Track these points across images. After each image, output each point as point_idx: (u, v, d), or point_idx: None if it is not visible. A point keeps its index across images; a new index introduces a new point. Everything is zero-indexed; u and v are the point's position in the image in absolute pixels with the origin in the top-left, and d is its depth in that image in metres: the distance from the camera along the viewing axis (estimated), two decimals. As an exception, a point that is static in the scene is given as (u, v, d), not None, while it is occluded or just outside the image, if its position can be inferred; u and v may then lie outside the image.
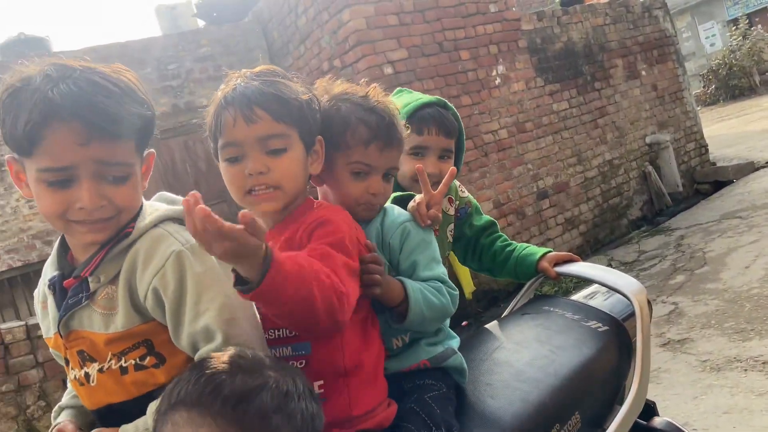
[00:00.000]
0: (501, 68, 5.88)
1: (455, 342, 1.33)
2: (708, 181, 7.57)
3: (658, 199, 7.07)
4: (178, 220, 1.11)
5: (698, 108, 10.20)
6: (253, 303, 1.05)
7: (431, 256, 1.27)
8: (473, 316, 5.24)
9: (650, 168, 7.03)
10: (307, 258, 1.00)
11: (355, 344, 1.14)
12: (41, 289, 1.19)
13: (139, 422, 1.02)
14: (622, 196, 6.79)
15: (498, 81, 5.85)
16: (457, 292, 1.27)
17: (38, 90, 0.95)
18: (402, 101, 1.62)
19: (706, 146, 7.93)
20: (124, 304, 1.04)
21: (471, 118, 5.59)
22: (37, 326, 4.22)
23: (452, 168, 1.42)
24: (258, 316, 1.10)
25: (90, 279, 1.07)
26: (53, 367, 4.38)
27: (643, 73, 7.22)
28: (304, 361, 1.12)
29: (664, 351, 3.48)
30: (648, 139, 7.12)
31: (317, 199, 1.32)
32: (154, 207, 1.14)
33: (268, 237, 1.14)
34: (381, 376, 1.20)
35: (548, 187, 6.11)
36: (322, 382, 1.12)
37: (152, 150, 1.16)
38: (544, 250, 1.66)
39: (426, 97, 1.64)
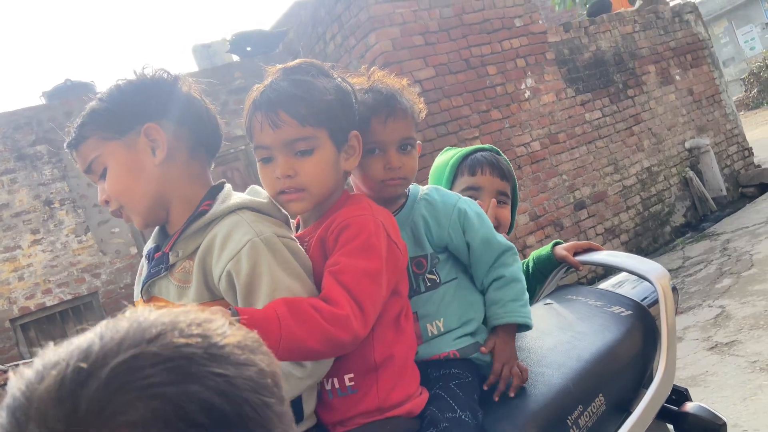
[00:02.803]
0: (530, 81, 5.88)
1: (484, 338, 1.34)
2: (753, 184, 7.33)
3: (701, 205, 6.89)
4: (256, 210, 1.17)
5: (741, 112, 10.00)
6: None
7: (492, 226, 1.35)
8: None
9: (691, 173, 6.87)
10: (294, 312, 1.03)
11: (386, 338, 1.16)
12: (143, 261, 1.29)
13: None
14: (663, 203, 6.64)
15: (527, 94, 5.85)
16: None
17: None
18: (451, 153, 1.68)
19: (749, 149, 7.71)
20: (197, 280, 1.11)
21: (502, 132, 5.59)
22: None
23: None
24: None
25: (170, 253, 1.16)
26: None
27: (678, 78, 7.11)
28: None
29: (711, 354, 3.37)
30: (687, 144, 6.97)
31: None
32: (236, 195, 1.21)
33: (308, 232, 1.23)
34: (412, 367, 1.21)
35: (585, 197, 6.03)
36: (352, 375, 1.14)
37: (150, 125, 1.18)
38: (555, 242, 1.66)
39: (479, 146, 1.67)
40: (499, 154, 1.67)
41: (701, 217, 6.86)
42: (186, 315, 0.41)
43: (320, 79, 1.18)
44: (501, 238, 1.35)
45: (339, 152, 1.19)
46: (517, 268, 1.34)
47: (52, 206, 6.26)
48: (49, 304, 6.18)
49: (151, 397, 0.34)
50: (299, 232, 1.27)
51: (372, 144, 1.26)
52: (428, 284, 1.30)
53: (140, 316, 0.41)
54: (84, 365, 0.36)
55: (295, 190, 1.15)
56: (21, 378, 0.38)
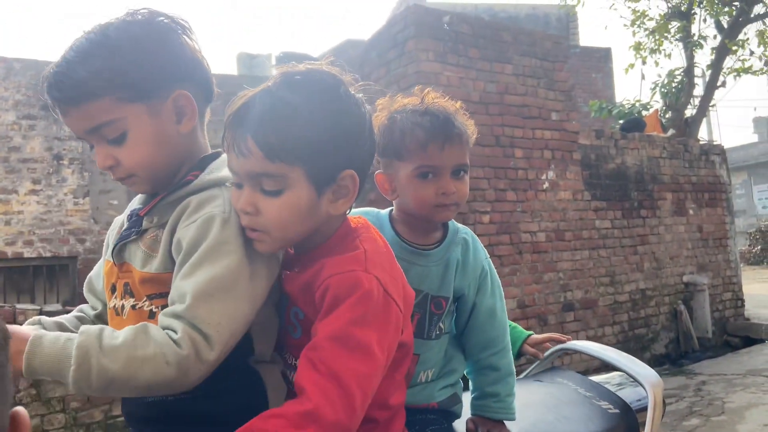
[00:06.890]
0: (551, 174, 5.97)
1: (461, 390, 1.39)
2: (739, 335, 7.35)
3: (685, 341, 6.88)
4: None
5: (741, 265, 10.09)
6: (260, 307, 1.01)
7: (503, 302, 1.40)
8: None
9: (683, 307, 6.89)
10: None
11: (383, 394, 1.04)
12: (122, 218, 1.19)
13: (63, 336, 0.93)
14: (649, 328, 6.64)
15: (546, 185, 5.92)
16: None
17: None
18: None
19: (742, 300, 7.76)
20: (164, 249, 1.04)
21: (512, 215, 5.64)
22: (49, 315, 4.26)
23: None
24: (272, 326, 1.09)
25: (145, 218, 1.10)
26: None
27: (691, 212, 7.22)
28: None
29: (666, 488, 3.30)
30: (685, 278, 7.02)
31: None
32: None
33: (294, 258, 1.08)
34: (402, 414, 1.13)
35: (576, 301, 6.02)
36: None
37: (181, 92, 1.06)
38: (523, 335, 1.62)
39: None
40: None
41: (682, 353, 6.83)
42: None
43: (317, 100, 0.98)
44: (503, 316, 1.38)
45: (321, 194, 0.99)
46: (511, 359, 1.37)
47: (60, 162, 6.25)
48: (26, 255, 6.09)
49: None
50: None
51: (426, 168, 1.26)
52: (437, 332, 1.32)
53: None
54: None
55: (256, 230, 0.99)
56: None
